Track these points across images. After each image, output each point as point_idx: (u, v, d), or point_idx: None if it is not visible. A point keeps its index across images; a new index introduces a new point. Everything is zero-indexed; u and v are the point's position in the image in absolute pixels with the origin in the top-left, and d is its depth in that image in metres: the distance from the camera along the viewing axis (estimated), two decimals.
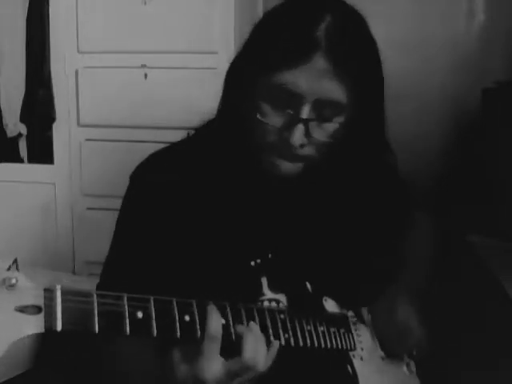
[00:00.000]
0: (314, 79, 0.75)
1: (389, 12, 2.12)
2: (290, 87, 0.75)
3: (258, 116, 0.78)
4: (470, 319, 1.49)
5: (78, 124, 1.87)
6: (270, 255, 0.86)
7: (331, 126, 0.79)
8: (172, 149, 0.93)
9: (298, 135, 0.77)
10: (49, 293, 0.55)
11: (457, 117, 2.16)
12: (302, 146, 0.78)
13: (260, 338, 0.71)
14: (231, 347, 0.69)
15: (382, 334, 0.92)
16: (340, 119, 0.79)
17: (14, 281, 0.53)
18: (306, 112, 0.76)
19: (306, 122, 0.77)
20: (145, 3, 1.75)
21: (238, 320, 0.70)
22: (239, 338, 0.69)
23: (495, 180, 1.85)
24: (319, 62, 0.74)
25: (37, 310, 0.53)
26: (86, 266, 1.92)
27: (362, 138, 0.84)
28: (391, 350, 0.93)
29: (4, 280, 0.53)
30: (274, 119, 0.78)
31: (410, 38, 2.13)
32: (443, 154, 2.18)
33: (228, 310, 0.70)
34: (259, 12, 2.02)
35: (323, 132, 0.79)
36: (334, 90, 0.76)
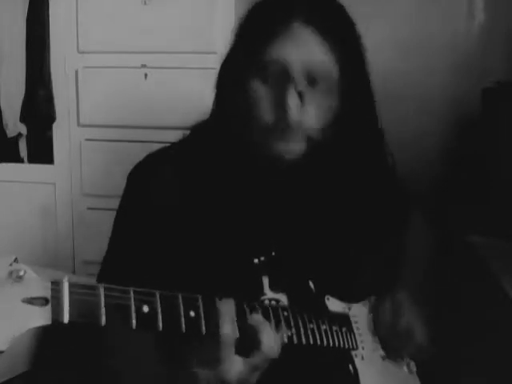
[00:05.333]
0: (297, 47, 0.78)
1: (389, 12, 2.12)
2: (277, 59, 0.78)
3: (254, 96, 0.80)
4: (470, 319, 1.49)
5: (78, 124, 1.87)
6: (273, 253, 0.87)
7: (323, 94, 0.80)
8: (169, 149, 0.93)
9: (292, 102, 0.78)
10: (56, 285, 0.55)
11: (457, 117, 2.16)
12: (298, 117, 0.79)
13: (271, 328, 0.71)
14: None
15: (384, 335, 0.92)
16: (332, 86, 0.81)
17: (21, 273, 0.53)
18: (296, 79, 0.78)
19: (297, 87, 0.78)
20: (145, 3, 1.75)
21: (241, 316, 0.71)
22: (252, 330, 0.69)
23: (495, 180, 1.85)
24: (299, 29, 0.78)
25: (44, 301, 0.54)
26: (85, 266, 1.92)
27: (356, 120, 0.85)
28: (392, 352, 0.93)
29: (12, 272, 0.53)
30: (266, 94, 0.80)
31: (410, 38, 2.13)
32: (443, 154, 2.18)
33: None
34: None
35: (317, 100, 0.80)
36: (319, 53, 0.78)
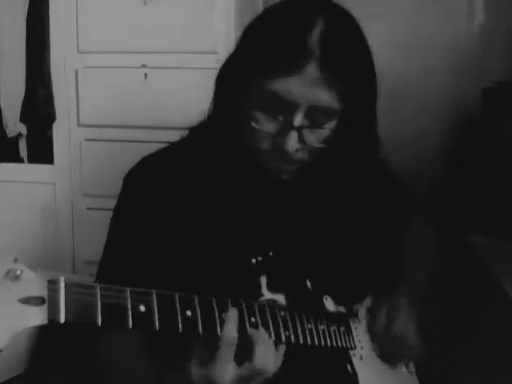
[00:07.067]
0: (307, 87, 0.74)
1: (389, 12, 2.12)
2: (283, 95, 0.75)
3: (251, 123, 0.78)
4: (470, 319, 1.49)
5: (78, 124, 1.87)
6: (271, 253, 0.87)
7: (324, 132, 0.79)
8: (165, 151, 0.93)
9: (292, 142, 0.77)
10: (52, 284, 0.55)
11: (457, 117, 2.16)
12: (295, 151, 0.78)
13: (270, 342, 0.71)
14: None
15: (379, 339, 0.91)
16: (332, 124, 0.79)
17: (18, 272, 0.54)
18: (299, 119, 0.76)
19: (299, 128, 0.77)
20: (145, 3, 1.75)
21: (239, 317, 0.70)
22: (249, 340, 0.69)
23: (495, 180, 1.85)
24: (312, 70, 0.74)
25: (40, 301, 0.54)
26: (85, 266, 1.92)
27: (355, 140, 0.84)
28: (387, 359, 0.92)
29: (9, 271, 0.53)
30: (267, 126, 0.78)
31: (410, 38, 2.13)
32: (443, 154, 2.18)
33: (229, 306, 0.70)
34: (259, 12, 2.02)
35: (316, 138, 0.79)
36: (327, 98, 0.76)
